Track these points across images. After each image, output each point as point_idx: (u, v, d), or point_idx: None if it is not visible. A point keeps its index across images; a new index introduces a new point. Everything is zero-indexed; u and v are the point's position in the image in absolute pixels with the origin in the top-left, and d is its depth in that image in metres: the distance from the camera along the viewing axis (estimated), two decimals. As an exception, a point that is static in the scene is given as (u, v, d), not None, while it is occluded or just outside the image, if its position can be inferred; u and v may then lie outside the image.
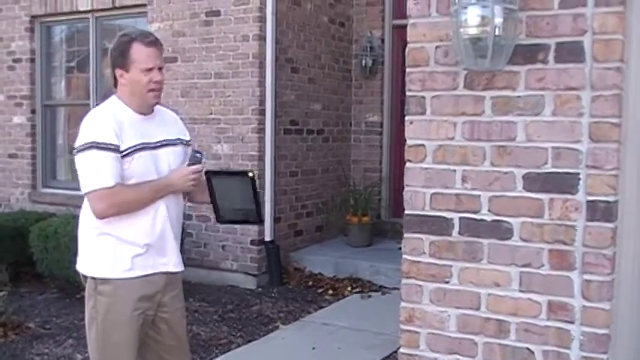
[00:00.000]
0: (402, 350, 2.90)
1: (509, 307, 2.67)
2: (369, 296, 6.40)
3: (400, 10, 7.60)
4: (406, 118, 2.86)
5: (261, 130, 6.80)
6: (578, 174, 2.53)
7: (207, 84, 7.02)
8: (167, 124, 3.03)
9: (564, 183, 2.55)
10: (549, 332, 2.61)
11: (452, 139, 2.76)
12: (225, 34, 6.87)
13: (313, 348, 5.05)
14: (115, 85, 2.92)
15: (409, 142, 2.85)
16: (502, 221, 2.67)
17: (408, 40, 2.83)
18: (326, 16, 7.76)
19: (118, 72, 2.86)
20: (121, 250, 2.84)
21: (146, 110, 2.92)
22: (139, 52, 2.81)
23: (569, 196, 2.55)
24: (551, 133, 2.57)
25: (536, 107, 2.59)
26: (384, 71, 8.13)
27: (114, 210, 2.79)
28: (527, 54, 2.60)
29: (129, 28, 3.43)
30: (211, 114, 7.01)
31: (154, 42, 2.86)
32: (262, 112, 6.80)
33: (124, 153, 2.78)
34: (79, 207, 2.98)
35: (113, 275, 2.84)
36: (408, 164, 2.85)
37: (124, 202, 2.80)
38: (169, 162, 2.92)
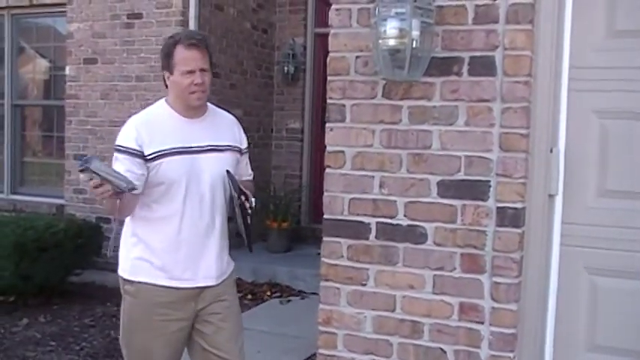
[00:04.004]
0: (320, 351, 2.96)
1: (422, 309, 2.77)
2: (289, 301, 6.43)
3: (322, 19, 7.70)
4: (326, 125, 2.94)
5: (182, 135, 6.73)
6: (489, 181, 2.66)
7: (127, 87, 6.92)
8: (218, 128, 2.89)
9: (476, 190, 2.68)
10: (460, 332, 2.72)
11: (370, 146, 2.84)
12: (147, 37, 6.79)
13: (232, 352, 5.05)
14: (166, 86, 2.87)
15: (329, 148, 2.93)
16: (417, 226, 2.77)
17: (330, 49, 2.91)
18: (249, 22, 7.78)
19: (165, 74, 2.83)
20: (147, 255, 2.75)
21: (193, 113, 2.82)
22: (179, 54, 2.74)
23: (480, 203, 2.67)
24: (464, 142, 2.69)
25: (450, 117, 2.71)
26: (305, 78, 8.20)
27: (108, 212, 2.76)
28: (443, 66, 2.71)
29: (177, 30, 3.14)
30: (131, 117, 6.90)
31: (195, 44, 2.75)
32: (184, 117, 6.74)
33: (151, 157, 2.70)
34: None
35: (135, 278, 2.76)
36: (327, 170, 2.93)
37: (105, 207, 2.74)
38: (211, 168, 2.79)
